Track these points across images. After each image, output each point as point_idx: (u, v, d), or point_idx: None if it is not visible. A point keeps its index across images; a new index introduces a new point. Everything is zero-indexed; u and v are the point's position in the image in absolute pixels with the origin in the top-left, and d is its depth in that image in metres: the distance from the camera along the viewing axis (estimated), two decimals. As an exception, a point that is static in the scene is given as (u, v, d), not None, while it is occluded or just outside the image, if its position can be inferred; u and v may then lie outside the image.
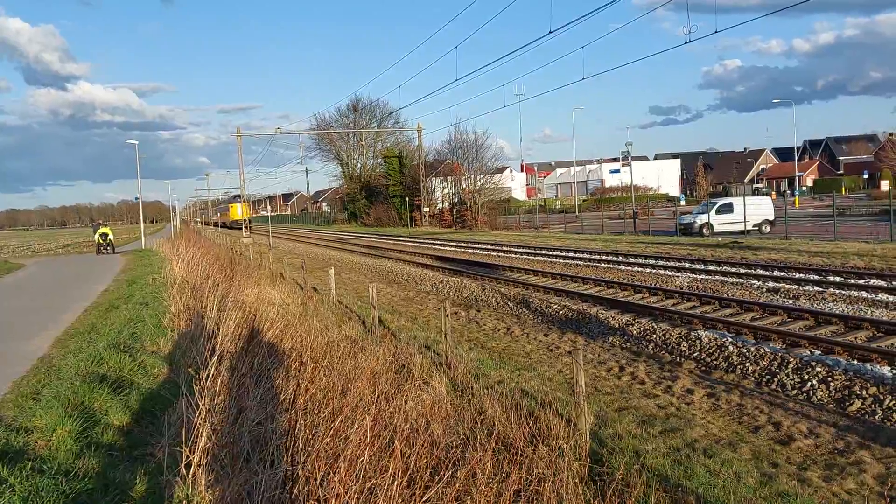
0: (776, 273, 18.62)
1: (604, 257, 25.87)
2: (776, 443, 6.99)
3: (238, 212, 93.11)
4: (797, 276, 17.83)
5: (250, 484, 4.97)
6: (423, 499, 4.68)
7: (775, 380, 9.07)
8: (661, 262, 22.66)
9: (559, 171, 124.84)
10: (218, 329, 9.74)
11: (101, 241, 41.27)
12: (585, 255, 26.90)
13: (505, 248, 32.91)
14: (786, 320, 12.52)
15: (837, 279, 16.91)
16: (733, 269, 19.94)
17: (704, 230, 34.67)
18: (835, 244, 25.24)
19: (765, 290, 16.31)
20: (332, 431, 5.41)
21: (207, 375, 6.27)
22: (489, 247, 34.78)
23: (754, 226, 33.89)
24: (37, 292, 22.27)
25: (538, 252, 29.86)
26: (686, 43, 16.37)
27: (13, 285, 25.58)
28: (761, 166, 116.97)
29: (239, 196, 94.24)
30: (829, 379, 8.66)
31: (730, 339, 10.79)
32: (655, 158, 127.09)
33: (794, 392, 8.65)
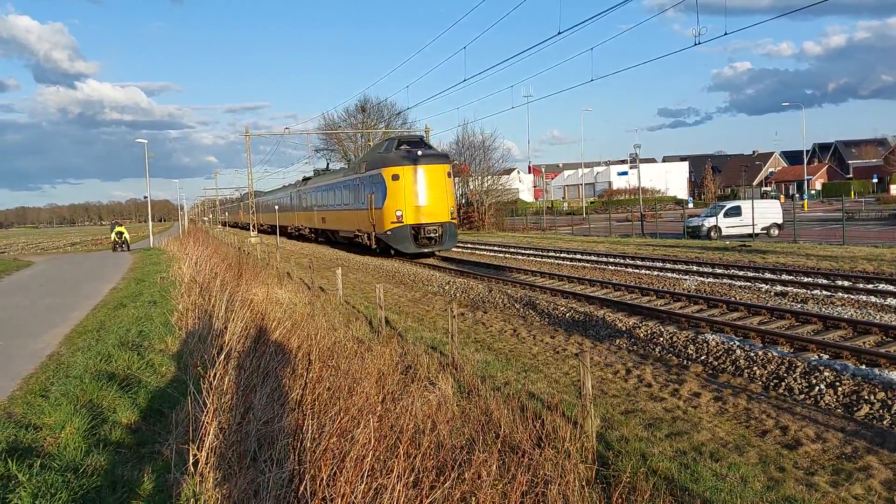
0: (784, 277, 18.56)
1: (611, 259, 25.83)
2: (783, 447, 6.97)
3: (419, 195, 30.10)
4: (805, 280, 17.76)
5: (257, 482, 4.99)
6: (429, 499, 4.68)
7: (783, 384, 9.04)
8: (668, 265, 22.60)
9: (567, 172, 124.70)
10: (226, 328, 9.79)
11: (116, 240, 44.55)
12: (592, 258, 26.86)
13: (512, 250, 32.89)
14: (794, 324, 12.48)
15: (846, 283, 16.85)
16: (741, 273, 19.88)
17: (712, 233, 34.57)
18: (844, 248, 25.14)
19: (772, 293, 16.26)
20: (338, 431, 5.43)
21: (215, 374, 6.30)
22: (496, 248, 34.76)
23: (762, 229, 33.77)
24: (46, 290, 22.37)
25: (545, 254, 29.82)
26: (696, 45, 16.41)
27: (22, 283, 25.71)
28: (770, 169, 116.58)
29: (426, 144, 33.96)
30: (837, 383, 8.63)
31: (737, 343, 10.76)
32: (663, 161, 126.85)
33: (802, 396, 8.62)
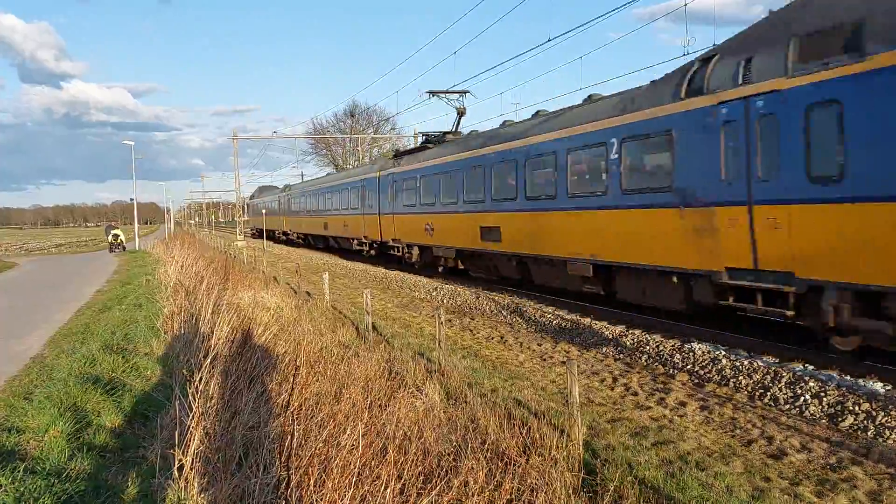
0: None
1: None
2: (768, 457, 7.01)
3: None
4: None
5: (243, 488, 4.97)
6: (416, 506, 4.68)
7: (768, 394, 9.09)
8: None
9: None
10: (212, 332, 9.74)
11: (113, 241, 47.43)
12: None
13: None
14: (780, 333, 12.54)
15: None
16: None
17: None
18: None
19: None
20: (324, 437, 5.42)
21: (201, 378, 6.26)
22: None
23: None
24: (30, 292, 22.19)
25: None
26: (685, 55, 16.41)
27: (6, 284, 25.48)
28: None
29: None
30: (822, 394, 8.68)
31: (723, 352, 10.81)
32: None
33: (787, 406, 8.67)
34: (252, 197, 77.92)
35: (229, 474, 5.17)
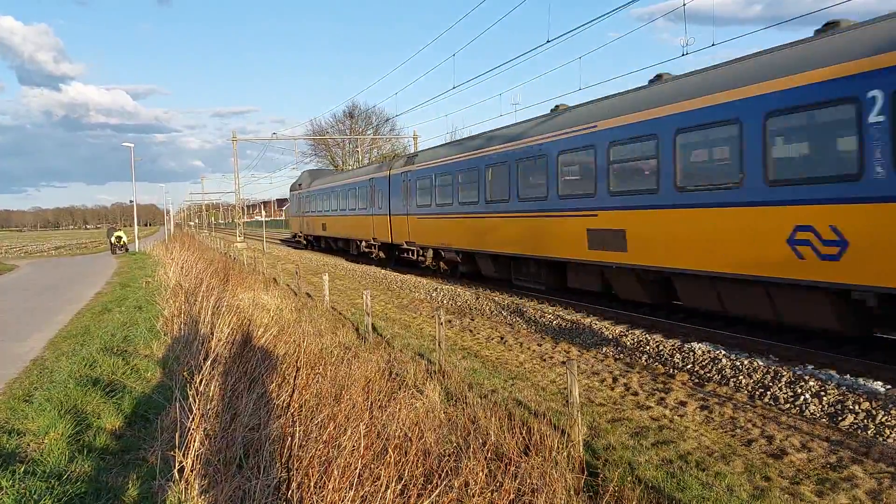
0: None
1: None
2: (769, 456, 7.01)
3: None
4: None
5: (243, 489, 4.97)
6: (417, 507, 4.68)
7: (768, 393, 9.09)
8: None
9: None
10: (212, 333, 9.74)
11: (115, 243, 47.53)
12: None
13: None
14: (780, 333, 12.54)
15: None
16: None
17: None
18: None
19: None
20: (325, 438, 5.42)
21: (201, 380, 6.27)
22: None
23: None
24: (30, 294, 22.19)
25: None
26: (684, 55, 16.40)
27: (6, 286, 25.48)
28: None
29: None
30: (822, 393, 8.68)
31: (723, 352, 10.81)
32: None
33: (787, 406, 8.67)
34: (295, 188, 51.98)
35: (230, 476, 5.17)
